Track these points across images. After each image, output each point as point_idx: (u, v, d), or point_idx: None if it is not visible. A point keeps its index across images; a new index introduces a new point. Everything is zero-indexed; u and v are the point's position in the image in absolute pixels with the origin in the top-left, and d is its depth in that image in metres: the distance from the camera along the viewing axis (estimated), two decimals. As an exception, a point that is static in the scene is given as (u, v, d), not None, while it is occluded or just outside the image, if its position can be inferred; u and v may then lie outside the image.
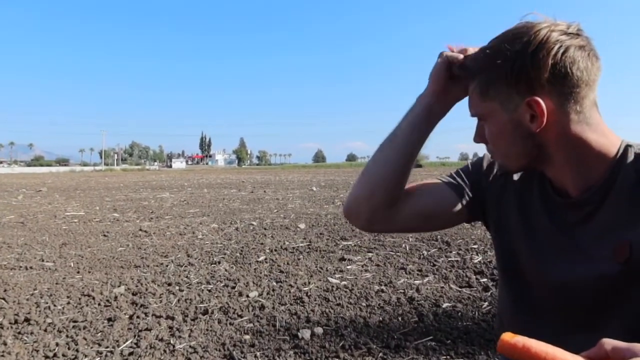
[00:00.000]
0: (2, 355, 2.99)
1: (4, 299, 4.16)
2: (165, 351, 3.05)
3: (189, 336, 3.29)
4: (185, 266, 5.35)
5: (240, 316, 3.66)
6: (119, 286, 4.50)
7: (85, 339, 3.24)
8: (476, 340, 3.10)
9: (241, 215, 10.09)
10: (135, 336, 3.29)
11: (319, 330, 3.31)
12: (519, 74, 0.83)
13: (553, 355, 0.68)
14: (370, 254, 5.74)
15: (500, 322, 1.14)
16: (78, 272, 5.14)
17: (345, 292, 4.22)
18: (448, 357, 2.90)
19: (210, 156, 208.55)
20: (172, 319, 3.61)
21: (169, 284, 4.57)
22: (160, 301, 4.04)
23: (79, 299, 4.14)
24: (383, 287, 4.33)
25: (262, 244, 6.64)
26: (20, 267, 5.40)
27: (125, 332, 3.38)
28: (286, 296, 4.13)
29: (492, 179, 1.10)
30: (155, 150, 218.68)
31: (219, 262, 5.48)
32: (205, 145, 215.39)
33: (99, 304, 3.99)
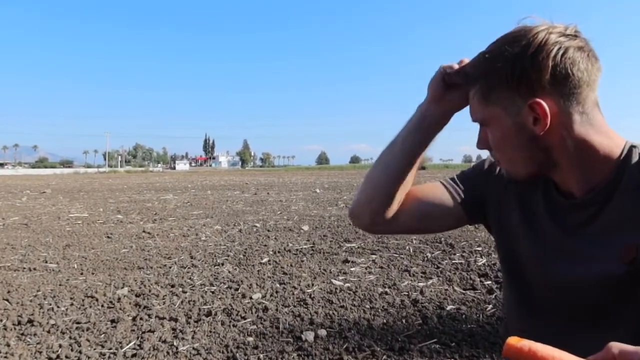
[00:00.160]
0: (6, 357, 2.98)
1: (7, 300, 4.16)
2: (168, 353, 3.04)
3: (192, 338, 3.28)
4: (189, 268, 5.35)
5: (244, 318, 3.65)
6: (122, 288, 4.50)
7: (89, 341, 3.24)
8: (481, 343, 3.08)
9: (244, 217, 10.09)
10: (138, 338, 3.28)
11: (322, 332, 3.30)
12: (519, 77, 0.83)
13: (560, 359, 0.67)
14: (373, 256, 5.72)
15: (505, 326, 1.13)
16: (81, 274, 5.14)
17: (349, 294, 4.21)
18: (452, 359, 2.89)
19: (213, 158, 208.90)
20: (176, 320, 3.61)
21: (172, 286, 4.57)
22: (164, 303, 4.04)
23: (83, 300, 4.14)
24: (387, 290, 4.31)
25: (265, 245, 6.63)
26: (24, 268, 5.41)
27: (128, 333, 3.37)
28: (289, 298, 4.12)
29: (494, 181, 1.10)
30: (158, 152, 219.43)
31: (223, 264, 5.48)
32: (208, 147, 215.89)
33: (102, 306, 3.99)
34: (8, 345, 3.18)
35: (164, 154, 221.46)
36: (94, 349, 3.10)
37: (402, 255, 5.73)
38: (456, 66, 0.99)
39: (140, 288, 4.49)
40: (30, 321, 3.61)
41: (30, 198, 16.16)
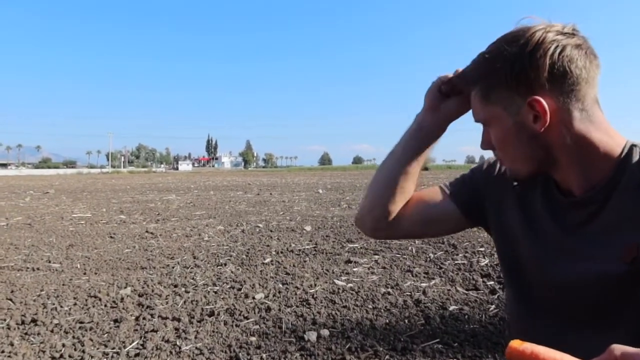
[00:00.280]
0: (9, 356, 3.00)
1: (11, 299, 4.18)
2: (171, 352, 3.05)
3: (195, 337, 3.28)
4: (192, 268, 5.36)
5: (247, 318, 3.65)
6: (125, 287, 4.51)
7: (92, 340, 3.25)
8: (483, 344, 3.08)
9: (247, 217, 10.10)
10: (141, 337, 3.29)
11: (325, 332, 3.30)
12: (518, 76, 0.84)
13: None
14: (376, 257, 5.72)
15: (509, 327, 1.13)
16: (85, 274, 5.16)
17: (352, 294, 4.21)
18: (455, 359, 2.89)
19: (216, 158, 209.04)
20: (178, 320, 3.62)
21: (175, 286, 4.58)
22: (167, 302, 4.05)
23: (86, 300, 4.15)
24: (389, 290, 4.31)
25: (268, 246, 6.64)
26: (28, 268, 5.43)
27: (131, 333, 3.38)
28: (292, 298, 4.13)
29: (493, 181, 1.10)
30: (161, 152, 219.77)
31: (225, 264, 5.48)
32: (211, 148, 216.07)
33: (106, 305, 4.00)
34: (12, 344, 3.19)
35: (166, 155, 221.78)
36: (97, 349, 3.11)
37: (405, 256, 5.73)
38: (450, 74, 1.03)
39: (143, 288, 4.50)
40: (33, 321, 3.62)
41: (34, 198, 16.21)
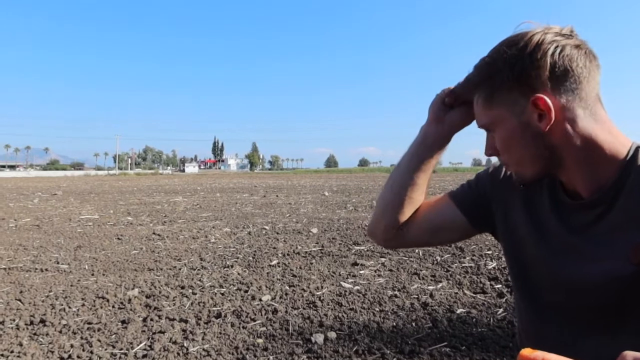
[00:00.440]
0: (18, 356, 3.01)
1: (20, 300, 4.20)
2: (178, 354, 3.05)
3: (202, 339, 3.29)
4: (198, 270, 5.37)
5: (254, 320, 3.65)
6: (132, 289, 4.53)
7: (100, 341, 3.26)
8: (492, 347, 3.06)
9: (254, 219, 10.11)
10: (149, 339, 3.30)
11: (332, 334, 3.30)
12: (519, 76, 0.85)
13: None
14: (383, 259, 5.71)
15: (520, 334, 1.13)
16: (92, 275, 5.18)
17: (358, 296, 4.20)
18: (463, 363, 2.87)
19: (222, 161, 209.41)
20: (186, 322, 3.62)
21: (182, 287, 4.59)
22: (174, 304, 4.06)
23: (94, 301, 4.17)
24: (396, 292, 4.30)
25: (274, 248, 6.64)
26: (36, 269, 5.46)
27: (139, 334, 3.39)
28: (299, 300, 4.12)
29: (499, 185, 1.11)
30: (168, 154, 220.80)
31: (232, 266, 5.49)
32: (217, 150, 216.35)
33: (113, 306, 4.02)
34: (20, 344, 3.21)
35: (173, 157, 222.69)
36: (105, 349, 3.12)
37: (412, 259, 5.72)
38: (452, 87, 1.06)
39: (150, 289, 4.52)
40: (42, 321, 3.64)
41: (42, 200, 16.31)
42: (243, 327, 3.51)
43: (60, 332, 3.45)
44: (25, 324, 3.60)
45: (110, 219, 10.48)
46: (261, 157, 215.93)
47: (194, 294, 4.36)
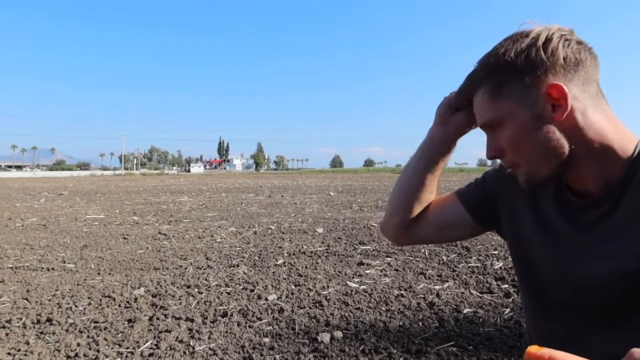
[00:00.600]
0: (25, 355, 3.02)
1: (26, 299, 4.22)
2: (185, 353, 3.05)
3: (209, 338, 3.29)
4: (204, 269, 5.37)
5: (260, 319, 3.65)
6: (138, 288, 4.53)
7: (106, 340, 3.26)
8: (499, 347, 3.04)
9: (259, 219, 10.12)
10: (155, 337, 3.30)
11: (338, 334, 3.29)
12: (533, 67, 0.84)
13: None
14: (389, 259, 5.70)
15: (528, 333, 1.12)
16: (99, 274, 5.20)
17: (365, 296, 4.19)
18: (470, 363, 2.86)
19: (228, 161, 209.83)
20: (192, 321, 3.62)
21: (188, 287, 4.59)
22: (180, 303, 4.06)
23: (100, 300, 4.18)
24: (403, 292, 4.28)
25: (280, 247, 6.64)
26: (43, 268, 5.48)
27: (145, 333, 3.40)
28: (305, 300, 4.12)
29: (504, 184, 1.10)
30: (174, 155, 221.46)
31: (238, 265, 5.49)
32: (223, 150, 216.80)
33: (119, 305, 4.03)
34: (27, 343, 3.22)
35: (179, 157, 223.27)
36: (112, 348, 3.13)
37: (418, 258, 5.70)
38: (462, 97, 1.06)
39: (156, 288, 4.52)
40: (49, 320, 3.65)
41: (48, 200, 16.39)
42: (249, 326, 3.51)
43: (67, 330, 3.46)
44: (32, 323, 3.61)
45: (116, 218, 10.51)
46: (266, 157, 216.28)
47: (200, 293, 4.36)
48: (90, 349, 3.13)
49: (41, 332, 3.43)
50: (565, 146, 0.86)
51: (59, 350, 3.10)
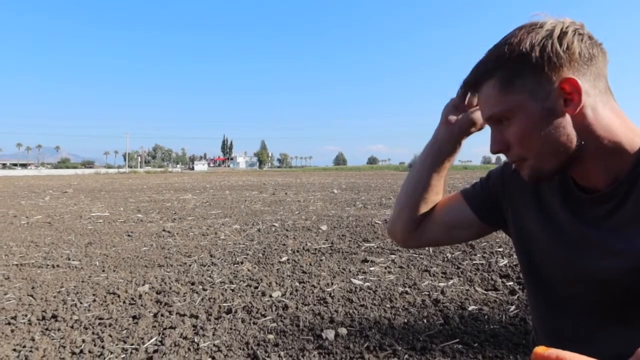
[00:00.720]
0: (31, 351, 3.03)
1: (32, 295, 4.23)
2: (189, 349, 3.05)
3: (213, 335, 3.29)
4: (208, 266, 5.38)
5: (264, 316, 3.65)
6: (143, 285, 4.54)
7: (111, 336, 3.27)
8: (504, 344, 3.03)
9: (263, 216, 10.12)
10: (159, 334, 3.30)
11: (343, 330, 3.28)
12: (549, 60, 0.82)
13: None
14: (393, 256, 5.69)
15: (534, 330, 1.11)
16: (103, 271, 5.21)
17: (369, 293, 4.18)
18: (475, 360, 2.84)
19: (231, 159, 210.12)
20: (196, 317, 3.62)
21: (193, 283, 4.59)
22: (184, 300, 4.06)
23: (105, 296, 4.18)
24: (407, 289, 4.27)
25: (284, 245, 6.63)
26: (48, 265, 5.50)
27: (149, 329, 3.40)
28: (309, 296, 4.11)
29: (509, 181, 1.09)
30: (177, 153, 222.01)
31: (242, 262, 5.49)
32: (226, 148, 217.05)
33: (124, 302, 4.03)
34: (33, 339, 3.22)
35: (182, 155, 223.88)
36: (116, 345, 3.13)
37: (422, 256, 5.68)
38: (466, 99, 1.09)
39: (160, 285, 4.53)
40: (54, 316, 3.66)
41: (53, 197, 16.44)
42: (253, 323, 3.50)
43: (72, 327, 3.47)
44: (37, 319, 3.61)
45: (120, 216, 10.54)
46: (270, 155, 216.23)
47: (204, 290, 4.36)
48: (95, 345, 3.13)
49: (46, 329, 3.43)
50: (574, 141, 0.85)
51: (64, 347, 3.11)
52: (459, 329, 3.29)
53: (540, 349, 0.67)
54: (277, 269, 5.15)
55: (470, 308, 3.72)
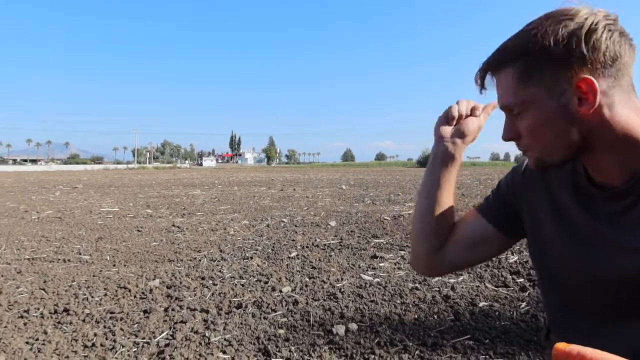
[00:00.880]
0: (43, 344, 3.05)
1: (44, 289, 4.27)
2: (200, 343, 3.07)
3: (224, 329, 3.30)
4: (218, 261, 5.39)
5: (274, 311, 3.65)
6: (153, 279, 4.56)
7: (122, 330, 3.29)
8: (515, 341, 3.01)
9: (272, 212, 10.13)
10: (170, 328, 3.32)
11: (353, 326, 3.28)
12: (572, 56, 0.80)
13: None
14: (402, 252, 5.67)
15: (549, 326, 1.10)
16: (114, 265, 5.24)
17: (379, 289, 4.17)
18: (487, 356, 2.83)
19: (239, 155, 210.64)
20: (207, 312, 3.64)
21: (203, 278, 4.61)
22: (195, 294, 4.08)
23: (116, 291, 4.21)
24: (417, 285, 4.26)
25: (293, 240, 6.64)
26: (59, 259, 5.54)
27: (160, 324, 3.42)
28: (319, 292, 4.11)
29: (519, 185, 1.08)
30: (186, 148, 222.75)
31: (251, 258, 5.50)
32: (235, 144, 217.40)
33: (135, 296, 4.06)
34: (45, 332, 3.25)
35: (191, 151, 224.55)
36: (128, 338, 3.15)
37: (432, 252, 5.66)
38: (455, 111, 1.10)
39: (171, 280, 4.55)
40: (66, 310, 3.69)
41: (63, 193, 16.58)
42: (264, 318, 3.51)
43: (84, 321, 3.49)
44: (50, 313, 3.65)
45: (130, 211, 10.60)
46: (278, 151, 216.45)
47: (215, 284, 4.38)
48: (106, 339, 3.15)
49: (58, 322, 3.46)
50: (586, 139, 0.85)
51: (76, 340, 3.13)
52: (470, 325, 3.28)
53: (561, 345, 0.66)
54: (287, 265, 5.15)
55: (480, 304, 3.71)
